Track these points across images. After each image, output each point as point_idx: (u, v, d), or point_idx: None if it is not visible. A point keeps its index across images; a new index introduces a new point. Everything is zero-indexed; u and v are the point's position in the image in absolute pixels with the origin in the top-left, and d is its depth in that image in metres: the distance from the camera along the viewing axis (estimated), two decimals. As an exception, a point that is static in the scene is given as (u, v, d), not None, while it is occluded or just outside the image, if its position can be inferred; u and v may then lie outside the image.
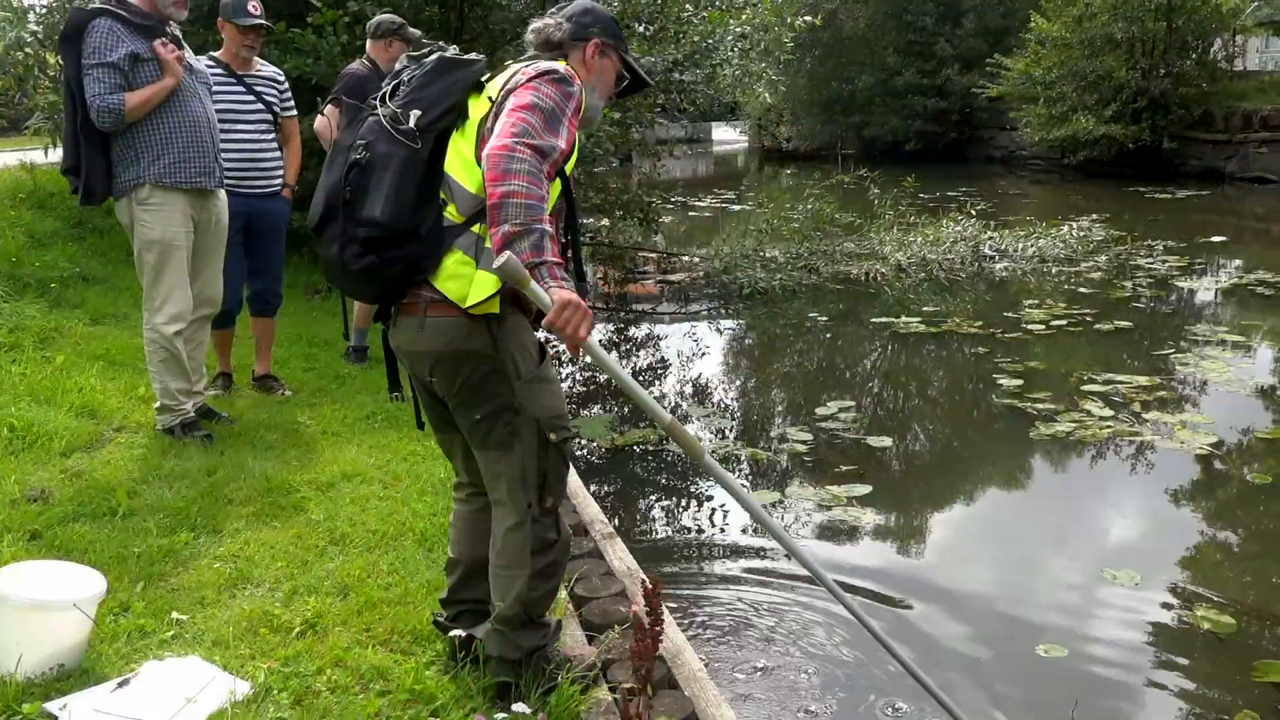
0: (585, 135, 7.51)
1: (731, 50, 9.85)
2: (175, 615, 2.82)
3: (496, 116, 2.23)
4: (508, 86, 2.27)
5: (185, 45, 4.22)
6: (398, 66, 2.44)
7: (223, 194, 4.37)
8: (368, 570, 3.15)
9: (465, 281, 2.24)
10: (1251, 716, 3.14)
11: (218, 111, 4.46)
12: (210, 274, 4.39)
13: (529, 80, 2.24)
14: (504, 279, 2.08)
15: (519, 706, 2.29)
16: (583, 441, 5.76)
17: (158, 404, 4.28)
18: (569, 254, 2.44)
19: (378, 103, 2.34)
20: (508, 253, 2.05)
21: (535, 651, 2.48)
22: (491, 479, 2.44)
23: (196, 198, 4.17)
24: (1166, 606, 3.84)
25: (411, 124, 2.24)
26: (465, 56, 2.36)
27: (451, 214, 2.28)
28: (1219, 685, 3.35)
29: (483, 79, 2.37)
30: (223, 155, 4.54)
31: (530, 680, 2.44)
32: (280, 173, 4.98)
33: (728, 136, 40.84)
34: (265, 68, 4.97)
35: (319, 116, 5.24)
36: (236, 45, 4.77)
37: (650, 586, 2.26)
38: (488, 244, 2.20)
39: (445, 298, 2.26)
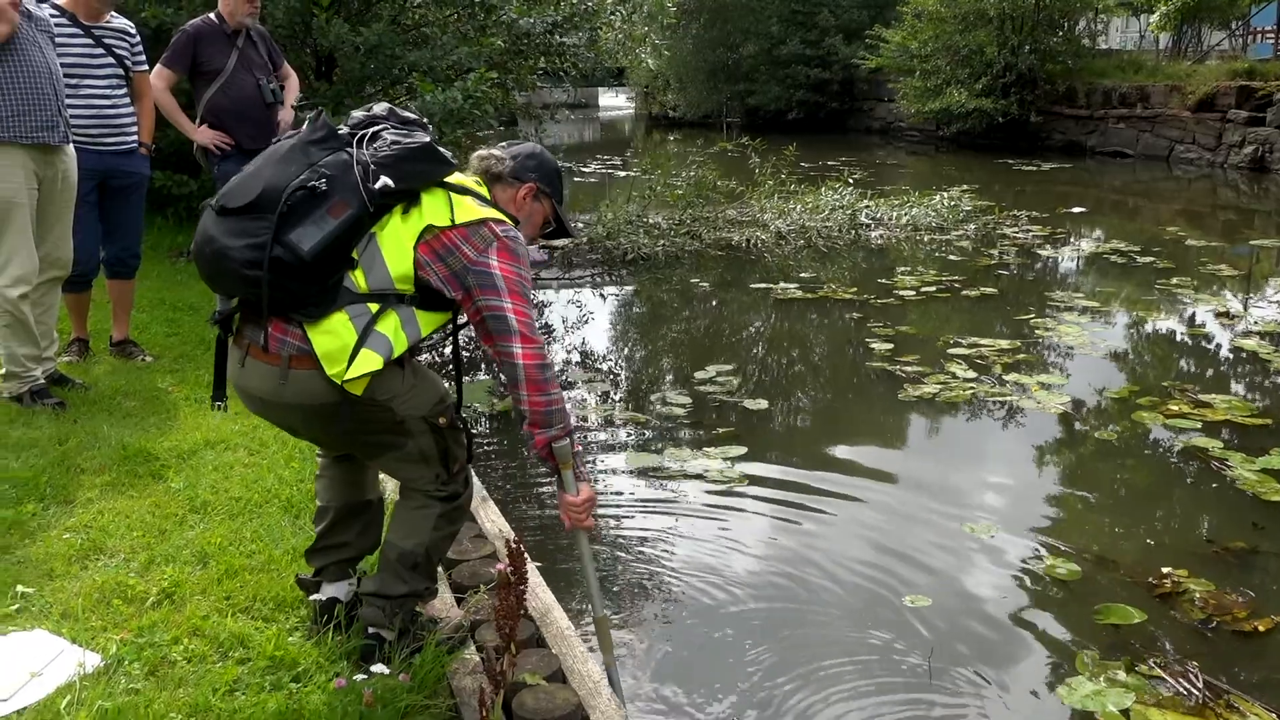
0: (464, 96, 7.38)
1: (612, 14, 9.78)
2: (20, 589, 2.71)
3: (466, 267, 2.29)
4: (477, 243, 2.31)
5: (26, -10, 3.98)
6: (377, 111, 2.42)
7: (70, 150, 4.15)
8: (230, 538, 3.07)
9: (336, 342, 2.23)
10: (1092, 655, 3.33)
11: (65, 65, 4.24)
12: (59, 234, 4.17)
13: (503, 249, 2.32)
14: (559, 456, 2.41)
15: (378, 667, 2.28)
16: (469, 408, 5.71)
17: (3, 370, 4.08)
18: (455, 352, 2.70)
19: (354, 143, 2.31)
20: (567, 440, 2.40)
21: (414, 596, 2.52)
22: (392, 474, 2.54)
23: (40, 153, 3.95)
24: (1020, 557, 4.03)
25: (377, 187, 2.23)
26: (447, 154, 2.40)
27: (357, 279, 2.27)
28: (1065, 628, 3.55)
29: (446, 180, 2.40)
30: (73, 111, 4.33)
31: (395, 639, 2.44)
32: (135, 129, 4.75)
33: (615, 103, 40.72)
34: (115, 19, 4.72)
35: (152, 77, 5.00)
36: None
37: (514, 545, 2.27)
38: (379, 327, 2.25)
39: (311, 350, 2.24)
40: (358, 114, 2.43)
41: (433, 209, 2.32)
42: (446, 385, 2.53)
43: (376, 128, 2.37)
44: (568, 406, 2.46)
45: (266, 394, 2.32)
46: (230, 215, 2.23)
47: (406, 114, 2.45)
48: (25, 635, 2.50)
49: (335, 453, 2.62)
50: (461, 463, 2.53)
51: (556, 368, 2.39)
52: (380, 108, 2.45)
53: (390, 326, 2.27)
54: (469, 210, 2.35)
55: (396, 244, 2.29)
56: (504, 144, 2.61)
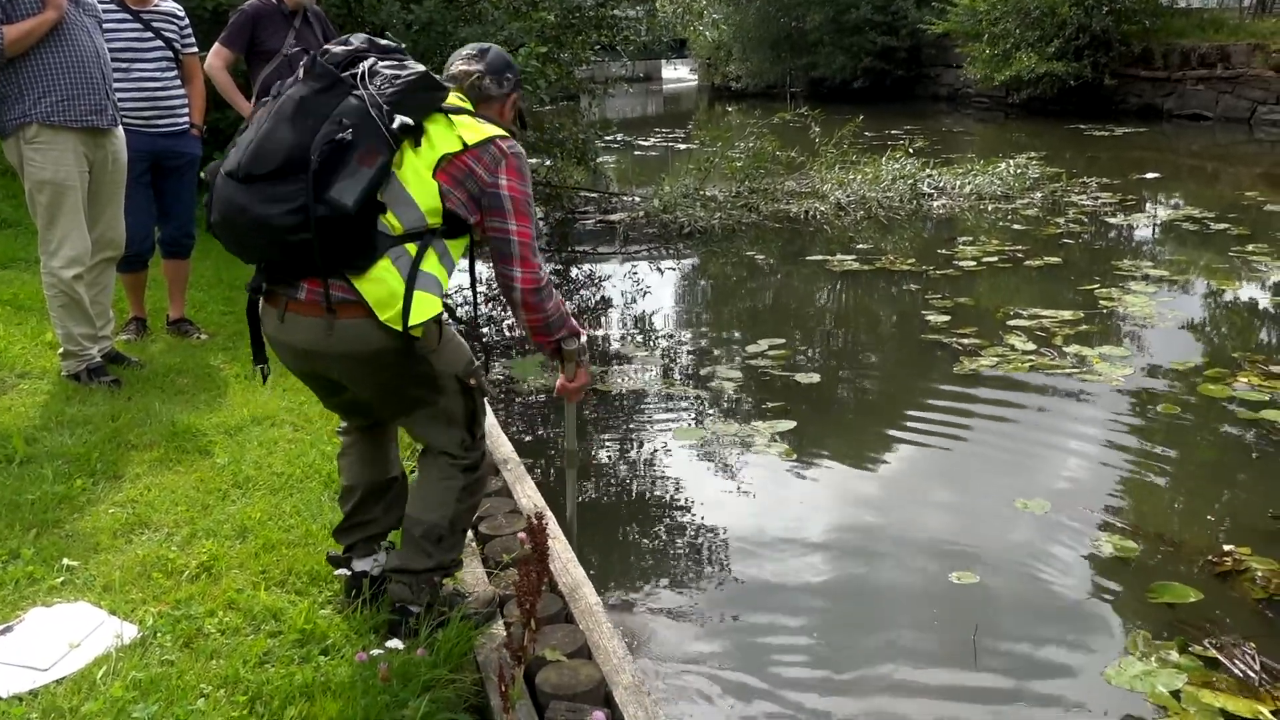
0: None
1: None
2: (66, 561, 2.78)
3: (480, 189, 2.34)
4: (487, 161, 2.34)
5: (72, -23, 4.05)
6: (355, 44, 2.37)
7: (120, 132, 4.22)
8: (269, 513, 3.12)
9: (384, 289, 2.23)
10: (1143, 635, 3.23)
11: (116, 49, 4.32)
12: (111, 215, 4.26)
13: (511, 168, 2.37)
14: (566, 355, 2.59)
15: (393, 642, 2.30)
16: (514, 383, 5.75)
17: (61, 349, 4.18)
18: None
19: (357, 84, 2.27)
20: (576, 342, 2.57)
21: (440, 569, 2.53)
22: (418, 433, 2.55)
23: (89, 136, 4.03)
24: (1073, 533, 3.93)
25: (395, 126, 2.23)
26: (440, 80, 2.39)
27: (390, 221, 2.26)
28: (1118, 607, 3.45)
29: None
30: (124, 94, 4.41)
31: (422, 613, 2.46)
32: (186, 110, 4.83)
33: (677, 75, 40.35)
34: (163, 3, 4.78)
35: (210, 56, 5.07)
36: None
37: (537, 521, 2.26)
38: (423, 267, 2.27)
39: (358, 298, 2.24)
40: (337, 49, 2.36)
41: (440, 137, 2.32)
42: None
43: (366, 63, 2.33)
44: (568, 308, 2.54)
45: (312, 345, 2.31)
46: (258, 182, 2.19)
47: (384, 41, 2.43)
48: (69, 607, 2.58)
49: (362, 420, 2.61)
50: (482, 431, 2.56)
51: (557, 295, 2.48)
52: (358, 38, 2.41)
53: (431, 263, 2.30)
54: (474, 130, 2.36)
55: (418, 179, 2.28)
56: (471, 50, 2.57)
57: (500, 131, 2.41)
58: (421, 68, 2.35)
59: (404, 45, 2.53)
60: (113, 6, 4.51)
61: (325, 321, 2.26)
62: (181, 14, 4.86)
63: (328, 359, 2.34)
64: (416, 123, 2.27)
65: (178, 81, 4.79)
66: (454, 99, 2.43)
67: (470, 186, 2.34)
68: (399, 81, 2.27)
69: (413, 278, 2.25)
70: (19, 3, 3.77)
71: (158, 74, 4.68)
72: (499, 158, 2.36)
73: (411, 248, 2.27)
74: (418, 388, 2.41)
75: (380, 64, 2.32)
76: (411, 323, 2.23)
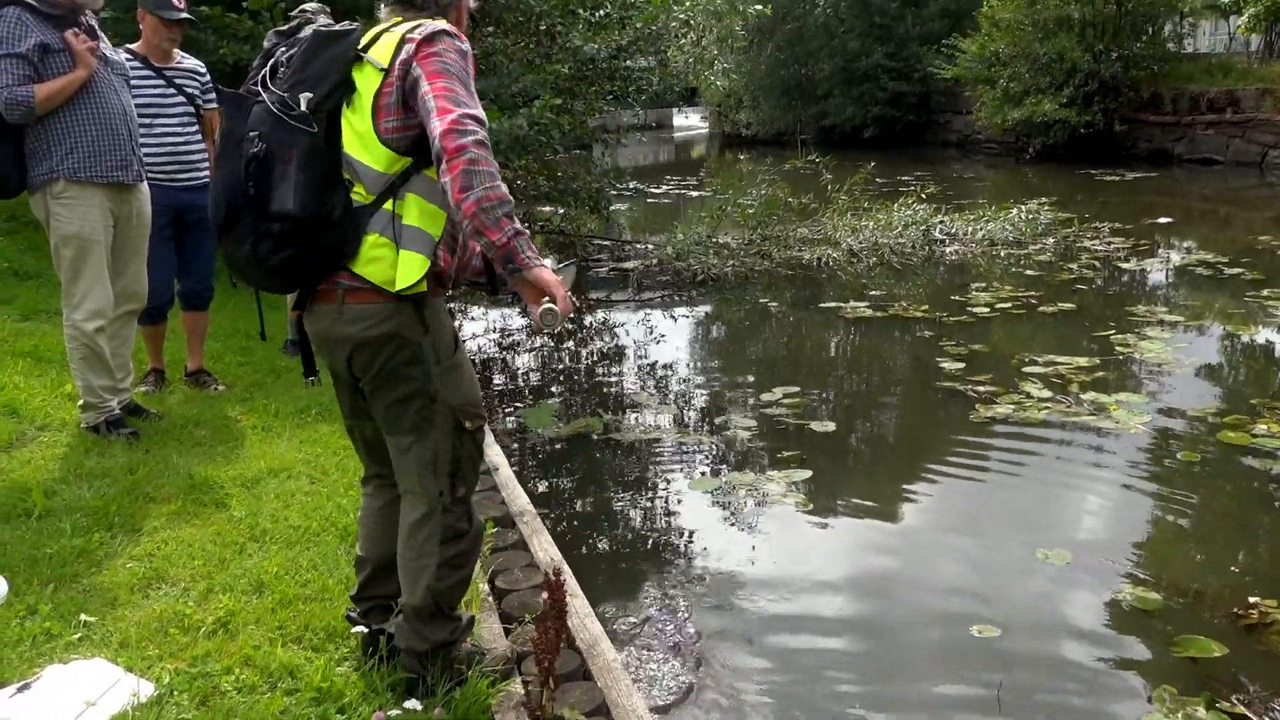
0: (529, 124, 7.46)
1: (679, 37, 9.80)
2: (84, 617, 2.78)
3: (404, 92, 2.18)
4: (403, 58, 2.20)
5: (102, 36, 4.13)
6: (266, 44, 2.37)
7: (144, 187, 4.29)
8: (286, 567, 3.11)
9: (386, 264, 2.22)
10: (1169, 690, 3.18)
11: (139, 105, 4.39)
12: (134, 269, 4.31)
13: (427, 46, 2.18)
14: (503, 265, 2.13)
15: (411, 703, 2.27)
16: (528, 432, 5.75)
17: (81, 401, 4.21)
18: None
19: (259, 88, 2.27)
20: (555, 310, 2.10)
21: (443, 645, 2.46)
22: (402, 466, 2.42)
23: (115, 192, 4.09)
24: (1095, 585, 3.88)
25: (304, 108, 2.19)
26: (339, 27, 2.30)
27: (360, 194, 2.24)
28: (1142, 661, 3.40)
29: (360, 48, 2.28)
30: (147, 149, 4.48)
31: (438, 674, 2.42)
32: (207, 164, 4.89)
33: (688, 122, 40.77)
34: (186, 60, 4.89)
35: None
36: (159, 38, 4.69)
37: (554, 578, 2.25)
38: (406, 220, 2.21)
39: (364, 283, 2.24)
40: (257, 62, 2.36)
41: (366, 81, 2.23)
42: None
43: (273, 60, 2.32)
44: (494, 168, 2.11)
45: (325, 330, 2.33)
46: (226, 234, 2.26)
47: (284, 26, 2.40)
48: (85, 664, 2.56)
49: (378, 467, 2.56)
50: (466, 491, 2.44)
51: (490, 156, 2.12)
52: (267, 41, 2.38)
53: (414, 213, 2.23)
54: (387, 48, 2.23)
55: (360, 139, 2.23)
56: None
57: (411, 24, 2.24)
58: (311, 28, 2.29)
59: (307, 8, 2.41)
60: (137, 64, 4.60)
61: (335, 307, 2.27)
62: (203, 70, 4.95)
63: (337, 343, 2.33)
64: (332, 87, 2.20)
65: (199, 136, 4.87)
66: (376, 30, 2.31)
67: (402, 98, 2.19)
68: (292, 60, 2.26)
69: (398, 238, 2.21)
70: (51, 62, 3.85)
71: (180, 129, 4.76)
72: (412, 49, 2.18)
73: (389, 206, 2.22)
74: (410, 399, 2.32)
75: (284, 53, 2.30)
76: (399, 286, 2.19)
